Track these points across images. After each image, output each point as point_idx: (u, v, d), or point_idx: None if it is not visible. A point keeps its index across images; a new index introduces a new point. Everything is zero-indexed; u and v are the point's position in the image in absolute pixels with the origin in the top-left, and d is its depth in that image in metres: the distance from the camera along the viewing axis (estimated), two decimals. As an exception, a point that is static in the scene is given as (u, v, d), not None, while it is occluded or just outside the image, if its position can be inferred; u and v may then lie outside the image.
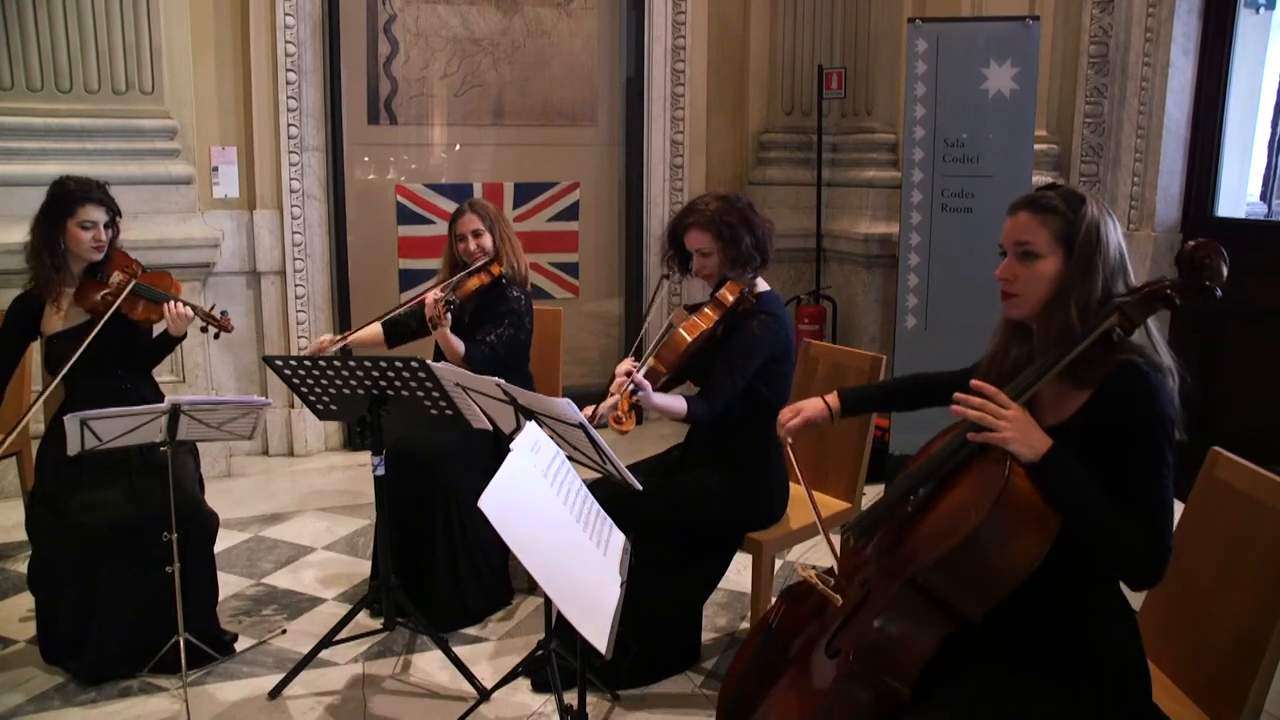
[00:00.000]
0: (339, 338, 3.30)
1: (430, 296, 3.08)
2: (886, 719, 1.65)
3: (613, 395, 2.52)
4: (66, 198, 2.90)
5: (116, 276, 2.95)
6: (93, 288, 2.94)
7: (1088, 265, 1.69)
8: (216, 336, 3.02)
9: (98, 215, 2.92)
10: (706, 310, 2.73)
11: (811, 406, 2.27)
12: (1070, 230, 1.71)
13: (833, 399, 2.27)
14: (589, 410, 2.48)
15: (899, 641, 1.65)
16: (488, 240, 3.29)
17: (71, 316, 2.95)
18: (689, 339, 2.67)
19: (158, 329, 3.07)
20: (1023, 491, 1.62)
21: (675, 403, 2.62)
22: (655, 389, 2.61)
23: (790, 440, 2.26)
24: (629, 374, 2.52)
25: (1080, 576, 1.72)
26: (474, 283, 3.25)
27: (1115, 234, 1.72)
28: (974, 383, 1.71)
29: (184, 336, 3.04)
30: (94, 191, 2.93)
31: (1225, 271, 1.61)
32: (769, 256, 2.79)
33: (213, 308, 3.02)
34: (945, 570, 1.62)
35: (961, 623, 1.65)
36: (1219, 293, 1.61)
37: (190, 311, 2.95)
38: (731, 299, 2.71)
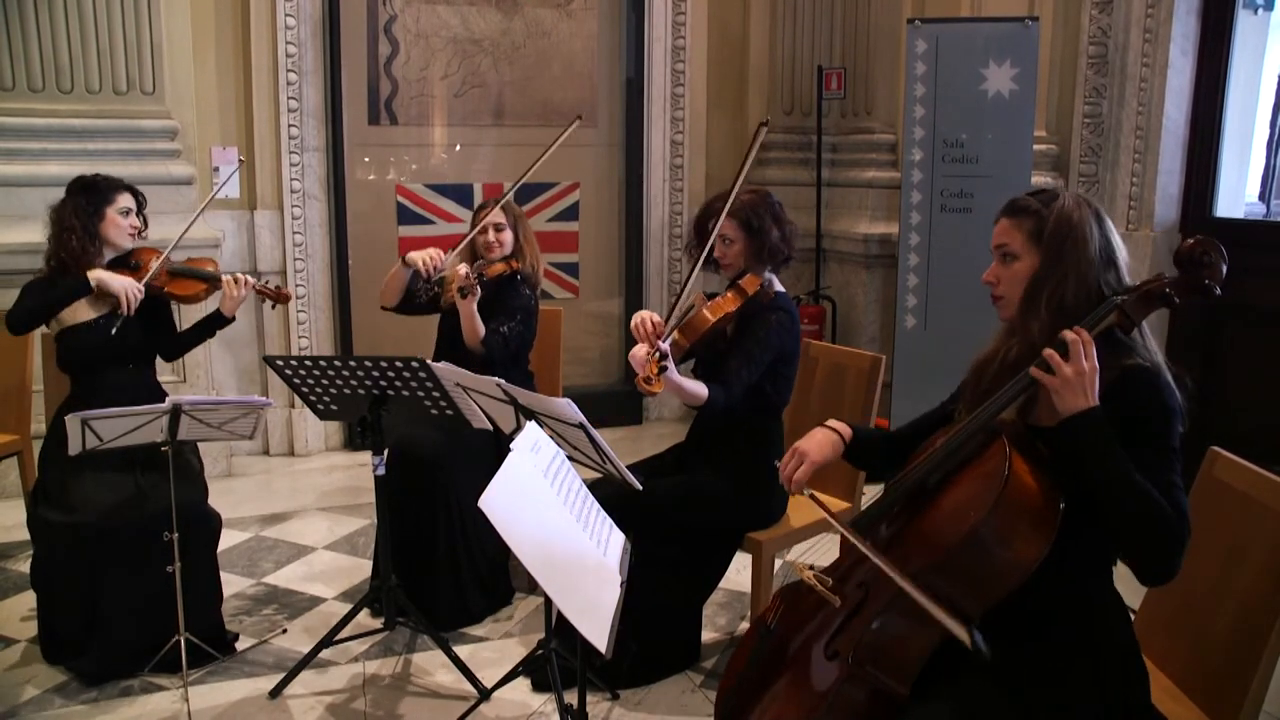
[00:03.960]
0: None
1: (461, 269, 3.13)
2: (885, 719, 1.65)
3: (641, 348, 2.53)
4: (101, 187, 2.94)
5: (153, 260, 3.00)
6: (125, 274, 2.96)
7: (1057, 256, 1.71)
8: (274, 307, 3.07)
9: (132, 202, 2.99)
10: (730, 295, 2.75)
11: (815, 445, 1.95)
12: (1042, 226, 1.73)
13: (838, 424, 1.99)
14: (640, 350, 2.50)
15: (897, 642, 1.65)
16: (508, 236, 3.32)
17: (97, 307, 2.94)
18: (712, 319, 2.69)
19: (204, 308, 3.15)
20: (1024, 489, 1.60)
21: (697, 387, 2.62)
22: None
23: (806, 491, 1.93)
24: (654, 345, 2.50)
25: (1078, 577, 1.72)
26: (499, 268, 3.29)
27: (1097, 227, 1.72)
28: (1068, 336, 1.62)
29: (233, 319, 3.10)
30: (122, 180, 3.00)
31: (1224, 269, 1.62)
32: (793, 255, 2.84)
33: (266, 281, 3.07)
34: (944, 570, 1.62)
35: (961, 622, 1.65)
36: (1218, 290, 1.62)
37: (251, 281, 3.03)
38: (753, 290, 2.74)
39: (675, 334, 2.69)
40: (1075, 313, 1.68)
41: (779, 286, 2.83)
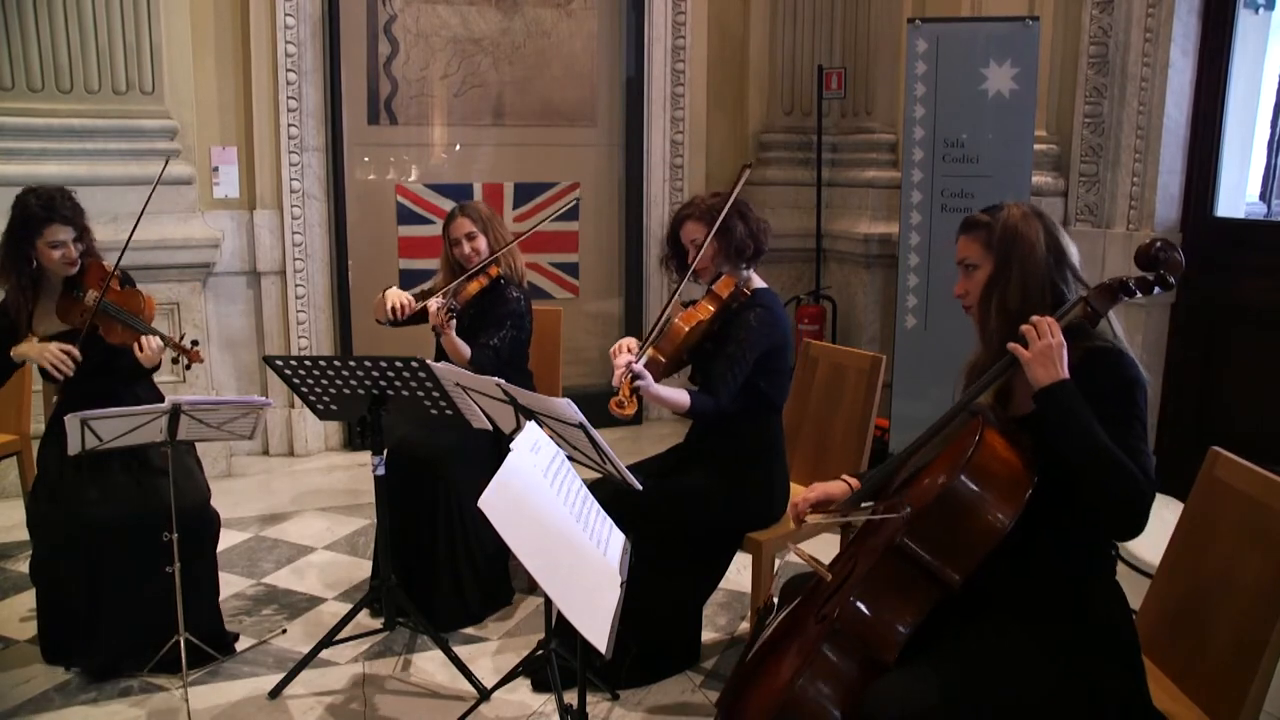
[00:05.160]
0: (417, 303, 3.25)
1: (433, 305, 3.09)
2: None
3: (621, 359, 2.56)
4: (31, 219, 2.81)
5: (90, 295, 2.87)
6: (71, 303, 2.90)
7: (1005, 262, 1.86)
8: (188, 367, 2.95)
9: (64, 234, 2.83)
10: (703, 303, 2.75)
11: (829, 484, 2.11)
12: (991, 236, 1.88)
13: (851, 480, 2.13)
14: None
15: (882, 606, 1.71)
16: (482, 243, 3.29)
17: (57, 324, 2.89)
18: (686, 328, 2.70)
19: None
20: (993, 456, 1.71)
21: (678, 395, 2.64)
22: (656, 379, 2.63)
23: (806, 519, 2.08)
24: (629, 364, 2.53)
25: (1078, 572, 1.74)
26: (474, 287, 3.26)
27: (1044, 233, 1.87)
28: (1035, 318, 1.79)
29: (157, 367, 2.96)
30: (58, 209, 2.82)
31: (1179, 262, 1.80)
32: (763, 248, 2.81)
33: (183, 337, 2.92)
34: (919, 531, 1.70)
35: (944, 591, 1.70)
36: (1172, 281, 1.81)
37: (159, 344, 2.85)
38: (727, 292, 2.74)
39: (651, 349, 2.68)
40: (1025, 311, 1.82)
41: (759, 282, 2.82)
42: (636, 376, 2.51)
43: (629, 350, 2.65)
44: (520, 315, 3.29)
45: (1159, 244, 1.80)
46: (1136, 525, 1.70)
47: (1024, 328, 1.76)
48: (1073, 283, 1.87)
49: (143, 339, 2.84)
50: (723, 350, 2.70)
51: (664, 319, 2.76)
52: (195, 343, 2.93)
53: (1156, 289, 1.82)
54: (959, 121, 4.26)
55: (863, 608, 1.71)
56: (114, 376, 2.95)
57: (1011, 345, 1.77)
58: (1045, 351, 1.73)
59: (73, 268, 2.88)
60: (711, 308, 2.73)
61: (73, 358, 2.78)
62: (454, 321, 3.10)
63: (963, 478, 1.69)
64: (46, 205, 2.82)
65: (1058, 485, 1.71)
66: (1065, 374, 1.73)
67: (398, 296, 3.24)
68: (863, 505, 1.98)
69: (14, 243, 2.84)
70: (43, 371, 2.91)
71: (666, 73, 5.25)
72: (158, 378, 3.14)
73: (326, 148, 4.72)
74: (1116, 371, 1.77)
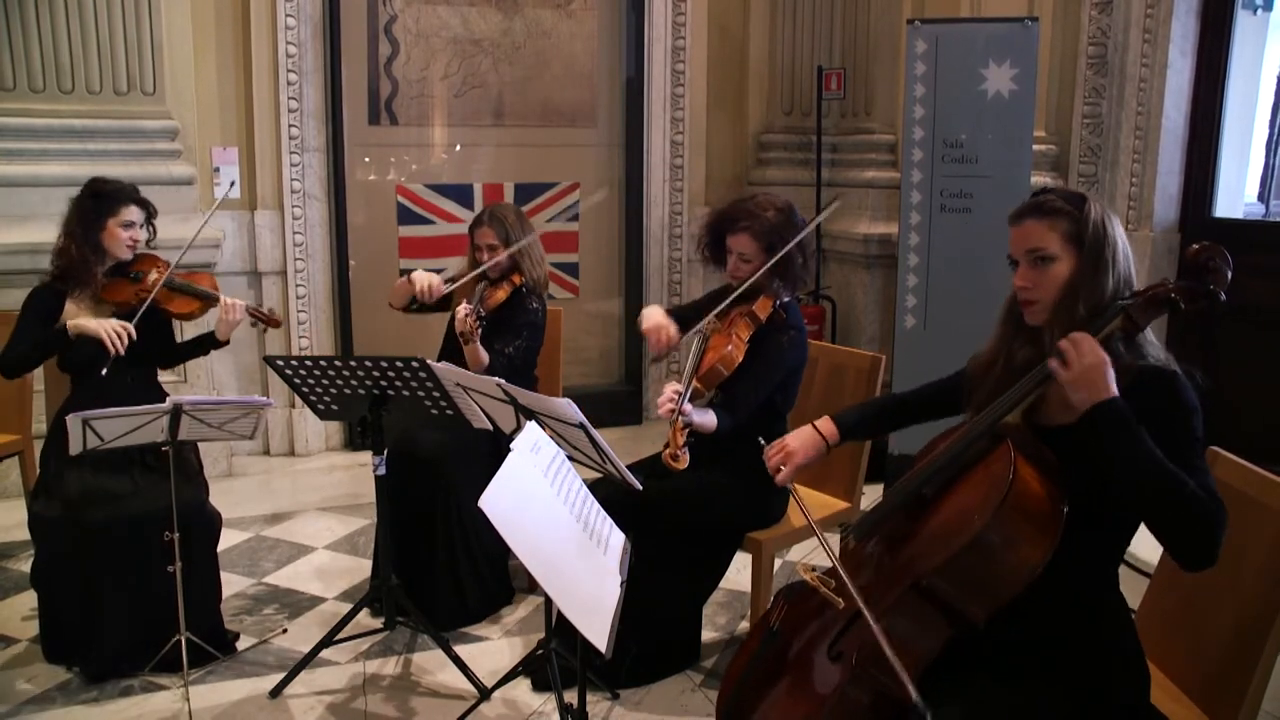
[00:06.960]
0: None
1: (461, 311, 3.08)
2: None
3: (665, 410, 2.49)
4: (108, 197, 2.94)
5: (153, 274, 2.98)
6: (124, 284, 2.97)
7: (1098, 261, 1.69)
8: (264, 332, 3.04)
9: (137, 215, 2.97)
10: (742, 328, 2.70)
11: (801, 446, 2.11)
12: (1079, 228, 1.71)
13: (825, 426, 2.14)
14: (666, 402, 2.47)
15: (902, 645, 1.64)
16: (502, 254, 3.29)
17: (98, 313, 2.92)
18: (727, 372, 2.64)
19: (196, 328, 3.15)
20: (1029, 494, 1.60)
21: (709, 420, 2.62)
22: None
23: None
24: (674, 402, 2.46)
25: (1084, 580, 1.72)
26: (500, 295, 3.26)
27: (1120, 231, 1.74)
28: (1074, 335, 1.61)
29: (226, 342, 3.09)
30: (132, 192, 2.99)
31: (1230, 275, 1.60)
32: (808, 279, 2.78)
33: (260, 305, 3.05)
34: (949, 574, 1.62)
35: (965, 626, 1.65)
36: (1223, 297, 1.59)
37: (244, 304, 3.01)
38: (765, 316, 2.73)
39: (696, 384, 2.62)
40: (1102, 315, 1.66)
41: (785, 295, 2.82)
42: (687, 425, 2.45)
43: (675, 394, 2.54)
44: (537, 326, 3.30)
45: (1211, 255, 1.59)
46: (1210, 553, 1.54)
47: (1062, 344, 1.60)
48: (1124, 290, 1.71)
49: (225, 300, 2.99)
50: (750, 370, 2.69)
51: (704, 336, 2.71)
52: (272, 309, 3.07)
53: (1204, 303, 1.60)
54: (958, 122, 4.27)
55: (882, 646, 1.63)
56: (158, 361, 3.08)
57: (1053, 364, 1.61)
58: (1087, 372, 1.57)
59: (131, 252, 2.98)
60: (749, 332, 2.70)
61: (129, 333, 2.81)
62: (481, 330, 3.10)
63: (997, 519, 1.57)
64: (121, 187, 2.97)
65: (1078, 504, 1.61)
66: (1114, 390, 1.57)
67: (428, 278, 3.23)
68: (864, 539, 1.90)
69: (87, 221, 2.92)
70: (65, 359, 2.93)
71: (666, 73, 5.26)
72: (161, 377, 3.15)
73: (327, 148, 4.72)
74: (1173, 396, 1.63)
